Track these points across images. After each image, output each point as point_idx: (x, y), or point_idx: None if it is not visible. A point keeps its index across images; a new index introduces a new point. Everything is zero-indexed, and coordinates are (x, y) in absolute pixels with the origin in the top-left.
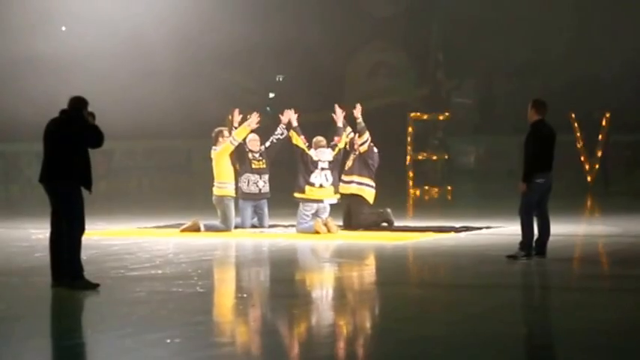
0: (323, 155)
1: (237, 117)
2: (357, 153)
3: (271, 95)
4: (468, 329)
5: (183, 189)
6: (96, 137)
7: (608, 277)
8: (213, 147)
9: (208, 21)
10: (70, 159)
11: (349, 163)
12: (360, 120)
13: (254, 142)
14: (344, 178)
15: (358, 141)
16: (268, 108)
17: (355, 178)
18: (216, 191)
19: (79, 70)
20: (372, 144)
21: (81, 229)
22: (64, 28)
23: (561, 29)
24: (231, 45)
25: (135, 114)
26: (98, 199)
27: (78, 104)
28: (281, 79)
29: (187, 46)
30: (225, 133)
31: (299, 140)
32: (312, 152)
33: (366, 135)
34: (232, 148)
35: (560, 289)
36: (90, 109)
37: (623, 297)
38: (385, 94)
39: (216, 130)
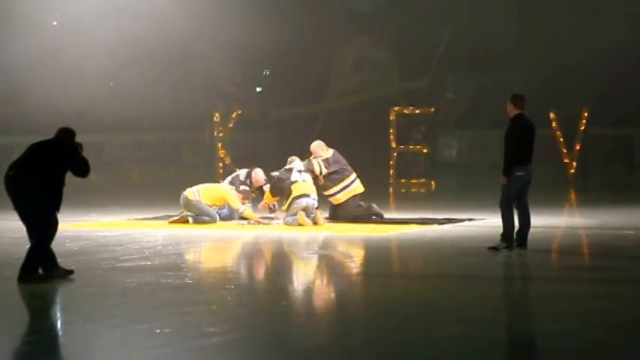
0: (294, 163)
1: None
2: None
3: (258, 89)
4: (449, 319)
5: (172, 181)
6: (83, 168)
7: (588, 268)
8: (234, 185)
9: (196, 16)
10: (48, 172)
11: (320, 183)
12: (298, 168)
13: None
14: (326, 194)
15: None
16: (266, 71)
17: (335, 189)
18: (189, 195)
19: (72, 65)
20: (323, 163)
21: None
22: (55, 23)
23: (539, 24)
24: (218, 39)
25: (125, 107)
26: (89, 191)
27: (67, 135)
28: (268, 73)
29: (176, 40)
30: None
31: (268, 194)
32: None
33: (316, 166)
34: (233, 205)
35: (540, 279)
36: (83, 97)
37: (603, 287)
38: (369, 88)
39: (256, 188)
